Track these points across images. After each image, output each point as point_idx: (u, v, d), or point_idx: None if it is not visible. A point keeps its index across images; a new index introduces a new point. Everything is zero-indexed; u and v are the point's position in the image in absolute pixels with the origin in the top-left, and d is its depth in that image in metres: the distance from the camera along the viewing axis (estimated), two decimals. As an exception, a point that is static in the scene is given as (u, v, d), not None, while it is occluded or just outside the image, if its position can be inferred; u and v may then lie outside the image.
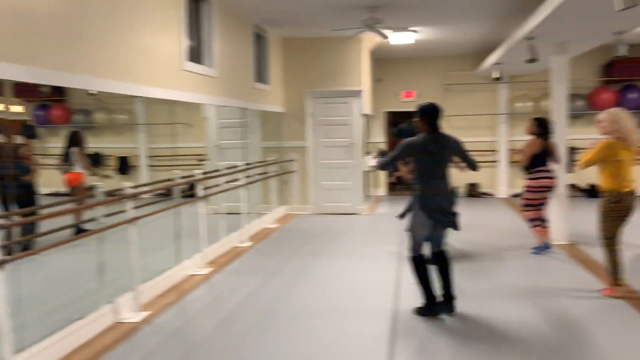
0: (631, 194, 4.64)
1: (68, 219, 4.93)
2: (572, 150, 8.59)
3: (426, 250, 4.45)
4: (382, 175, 12.15)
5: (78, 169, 7.28)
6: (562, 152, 6.64)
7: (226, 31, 6.96)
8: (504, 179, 11.71)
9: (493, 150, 11.64)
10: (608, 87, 10.90)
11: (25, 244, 5.41)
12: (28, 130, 11.32)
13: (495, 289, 5.17)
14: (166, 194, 5.91)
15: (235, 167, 7.43)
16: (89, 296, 4.46)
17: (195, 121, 10.73)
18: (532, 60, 7.19)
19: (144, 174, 11.37)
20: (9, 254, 3.46)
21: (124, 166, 11.62)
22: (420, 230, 4.34)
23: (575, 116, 9.78)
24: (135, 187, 4.70)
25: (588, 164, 4.73)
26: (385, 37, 7.87)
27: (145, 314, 4.55)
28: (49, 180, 9.02)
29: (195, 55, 6.18)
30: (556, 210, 6.78)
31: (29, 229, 6.07)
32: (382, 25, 7.45)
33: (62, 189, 7.53)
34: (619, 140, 4.58)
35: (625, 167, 4.62)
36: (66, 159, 7.36)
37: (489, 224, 8.52)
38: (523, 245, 6.76)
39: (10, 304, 3.26)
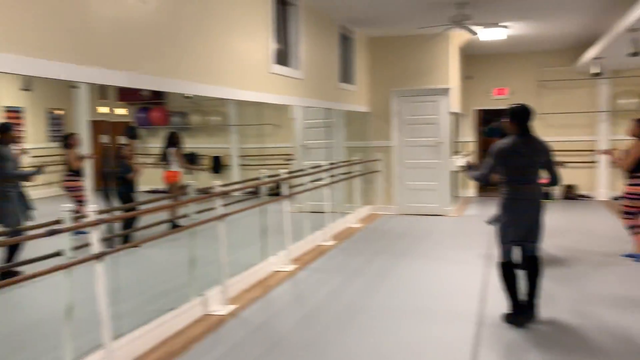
0: None
1: (164, 215, 5.24)
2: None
3: (516, 255, 4.28)
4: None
5: (175, 167, 7.72)
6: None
7: (312, 33, 7.08)
8: (604, 181, 10.98)
9: (591, 150, 10.94)
10: None
11: (125, 237, 5.83)
12: (130, 131, 12.15)
13: (588, 296, 4.87)
14: (255, 192, 6.11)
15: (320, 166, 7.53)
16: (180, 288, 4.72)
17: (283, 122, 11.02)
18: (635, 54, 6.70)
19: (235, 173, 11.84)
20: (109, 246, 3.74)
21: (217, 165, 12.17)
22: (508, 235, 4.19)
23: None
24: (224, 185, 4.90)
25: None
26: (475, 33, 7.65)
27: (232, 307, 4.74)
28: (148, 178, 9.63)
29: (282, 58, 6.34)
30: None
31: (129, 223, 6.54)
32: (471, 21, 7.25)
33: (161, 186, 8.01)
34: None
35: None
36: (164, 158, 7.83)
37: (586, 228, 8.03)
38: (620, 251, 6.32)
39: (110, 294, 3.52)
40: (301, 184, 7.29)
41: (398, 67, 9.62)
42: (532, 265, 4.25)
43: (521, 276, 4.26)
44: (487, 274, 5.56)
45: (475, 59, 11.54)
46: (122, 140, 8.04)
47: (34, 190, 7.59)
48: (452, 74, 9.57)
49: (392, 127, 9.73)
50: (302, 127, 9.76)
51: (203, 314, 4.57)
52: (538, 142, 4.17)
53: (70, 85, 9.52)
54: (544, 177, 4.26)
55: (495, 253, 4.35)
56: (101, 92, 8.69)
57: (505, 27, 7.95)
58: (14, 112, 11.17)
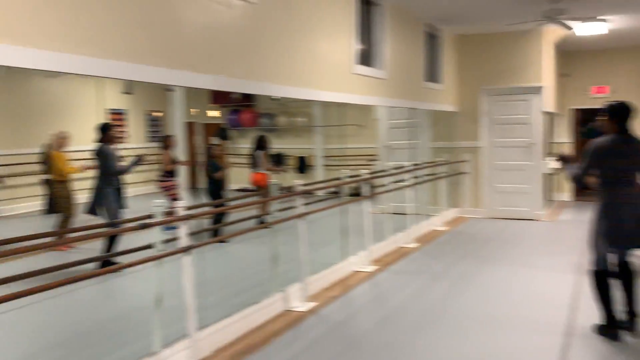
0: None
1: (252, 213, 5.43)
2: None
3: (610, 263, 4.00)
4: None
5: (262, 170, 7.97)
6: None
7: (397, 33, 7.02)
8: None
9: None
10: None
11: (214, 232, 6.11)
12: (222, 133, 12.69)
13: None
14: (337, 192, 6.17)
15: (402, 167, 7.46)
16: (263, 283, 4.86)
17: (367, 122, 11.03)
18: None
19: (319, 173, 12.02)
20: (198, 241, 3.93)
21: (302, 165, 12.43)
22: (604, 241, 3.92)
23: None
24: (305, 184, 4.98)
25: None
26: (570, 28, 7.24)
27: (311, 304, 4.82)
28: (238, 177, 10.02)
29: (365, 58, 6.35)
30: None
31: (218, 219, 6.83)
32: (566, 16, 6.86)
33: (249, 185, 8.31)
34: None
35: None
36: (253, 161, 8.12)
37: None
38: None
39: (197, 286, 3.70)
40: (383, 185, 7.25)
41: (487, 65, 9.30)
42: (626, 272, 3.96)
43: (616, 285, 3.98)
44: (579, 282, 5.25)
45: (572, 55, 10.92)
46: (214, 140, 8.40)
47: (132, 188, 8.14)
48: (545, 72, 9.11)
49: (481, 127, 9.42)
50: (386, 128, 9.70)
51: (283, 310, 4.68)
52: (638, 142, 3.88)
53: (166, 89, 10.09)
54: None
55: (588, 260, 4.09)
56: (195, 96, 9.15)
57: (603, 20, 7.45)
58: (117, 114, 12.07)
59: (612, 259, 3.98)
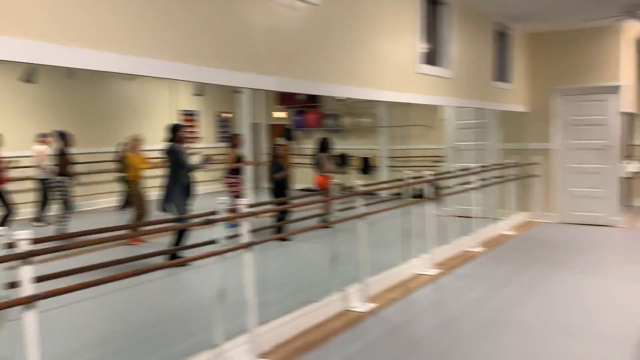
0: None
1: (311, 213, 5.48)
2: None
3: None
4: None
5: (325, 172, 8.04)
6: None
7: (464, 31, 6.87)
8: None
9: None
10: None
11: (277, 230, 6.22)
12: (287, 133, 12.88)
13: None
14: (401, 193, 6.12)
15: (469, 169, 7.29)
16: (323, 282, 4.90)
17: (434, 123, 10.86)
18: None
19: (383, 174, 11.96)
20: (260, 238, 4.02)
21: (366, 166, 12.40)
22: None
23: None
24: (365, 185, 4.98)
25: None
26: (652, 23, 6.82)
27: (371, 305, 4.81)
28: (302, 177, 10.15)
29: (430, 57, 6.26)
30: None
31: (280, 217, 6.95)
32: (648, 10, 6.48)
33: (312, 185, 8.41)
34: None
35: None
36: (316, 163, 8.21)
37: None
38: None
39: (259, 282, 3.78)
40: (449, 187, 7.12)
41: (560, 64, 8.91)
42: None
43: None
44: (658, 293, 4.94)
45: (656, 52, 10.26)
46: (279, 141, 8.56)
47: (201, 186, 8.43)
48: (624, 70, 8.62)
49: (553, 128, 9.04)
50: (453, 128, 9.51)
51: (343, 309, 4.70)
52: None
53: (234, 91, 10.38)
54: None
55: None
56: (262, 97, 9.37)
57: (692, 14, 6.96)
58: (189, 115, 12.54)
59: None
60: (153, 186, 7.25)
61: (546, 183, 9.13)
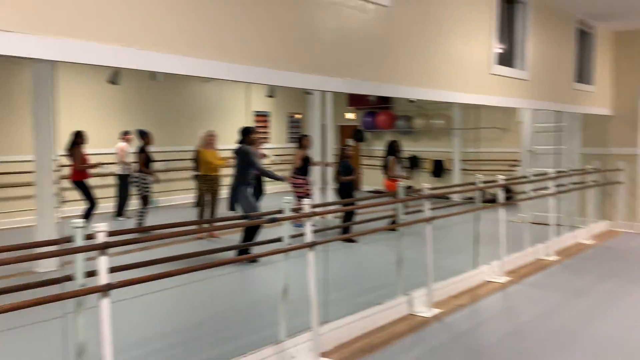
0: None
1: (378, 215, 5.45)
2: None
3: None
4: None
5: (392, 176, 7.97)
6: None
7: (542, 30, 6.60)
8: None
9: None
10: None
11: (343, 231, 6.25)
12: (357, 134, 12.87)
13: None
14: (473, 198, 5.97)
15: (546, 174, 6.98)
16: (387, 285, 4.87)
17: (510, 126, 10.50)
18: None
19: (456, 177, 11.69)
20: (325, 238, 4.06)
21: (438, 169, 12.17)
22: None
23: None
24: (433, 188, 4.90)
25: None
26: None
27: (436, 311, 4.72)
28: (372, 179, 10.13)
29: (506, 58, 6.06)
30: None
31: (347, 218, 6.96)
32: None
33: (381, 187, 8.37)
34: None
35: None
36: (384, 166, 8.16)
37: None
38: None
39: (323, 282, 3.82)
40: (523, 192, 6.86)
41: (650, 65, 8.36)
42: None
43: None
44: None
45: None
46: (349, 142, 8.58)
47: (269, 185, 8.60)
48: None
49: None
50: (530, 131, 9.15)
51: (407, 314, 4.65)
52: None
53: (305, 92, 10.49)
54: None
55: None
56: (334, 98, 9.43)
57: None
58: (262, 116, 12.82)
59: None
60: (226, 184, 7.48)
61: (631, 190, 8.59)
